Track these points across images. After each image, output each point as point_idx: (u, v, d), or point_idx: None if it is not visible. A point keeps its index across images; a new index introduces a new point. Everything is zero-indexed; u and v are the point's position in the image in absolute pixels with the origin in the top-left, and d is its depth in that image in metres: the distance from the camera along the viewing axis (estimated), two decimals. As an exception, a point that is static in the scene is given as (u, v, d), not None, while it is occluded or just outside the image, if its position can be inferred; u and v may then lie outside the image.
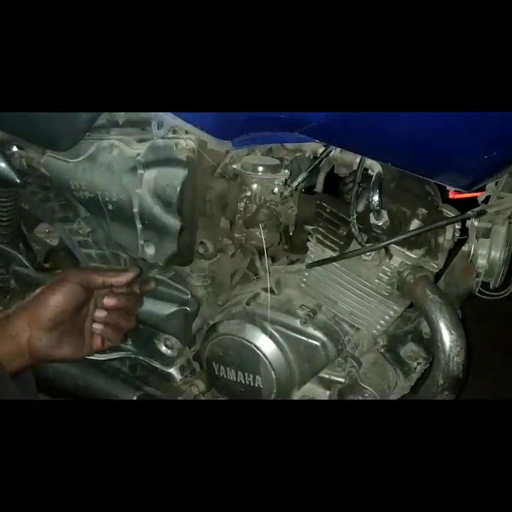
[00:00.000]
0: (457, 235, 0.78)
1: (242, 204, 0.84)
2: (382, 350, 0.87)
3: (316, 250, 0.81)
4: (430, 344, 0.81)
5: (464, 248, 0.71)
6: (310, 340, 0.81)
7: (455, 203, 0.79)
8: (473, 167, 0.60)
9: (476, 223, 0.70)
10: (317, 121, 0.63)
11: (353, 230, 0.73)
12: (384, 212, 0.71)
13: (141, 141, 0.90)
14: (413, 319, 0.87)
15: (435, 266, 0.77)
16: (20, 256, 1.12)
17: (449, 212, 0.79)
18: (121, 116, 0.94)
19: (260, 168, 0.82)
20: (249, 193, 0.83)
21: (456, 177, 0.65)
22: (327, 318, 0.85)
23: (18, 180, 1.01)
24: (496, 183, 0.71)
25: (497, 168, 0.60)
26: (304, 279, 0.85)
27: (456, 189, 0.66)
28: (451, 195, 0.74)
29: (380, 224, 0.71)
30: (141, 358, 0.86)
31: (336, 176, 0.85)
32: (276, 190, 0.82)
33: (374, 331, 0.82)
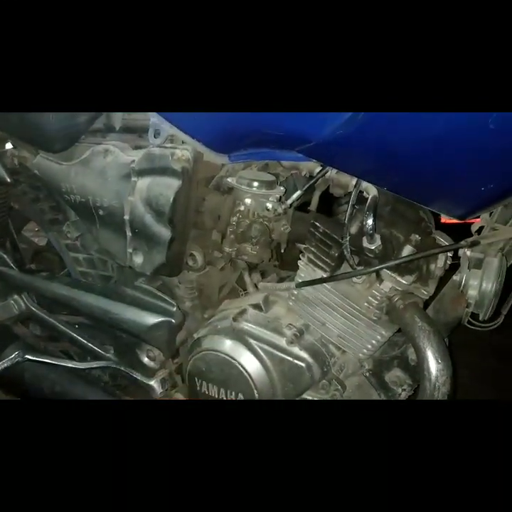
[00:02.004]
0: (449, 262, 0.77)
1: (235, 218, 0.83)
2: (368, 374, 0.86)
3: (306, 269, 0.80)
4: (416, 371, 0.80)
5: (456, 277, 0.71)
6: (295, 361, 0.80)
7: (447, 228, 0.79)
8: (469, 198, 0.60)
9: (468, 253, 0.70)
10: (315, 141, 0.62)
11: (345, 252, 0.72)
12: (377, 237, 0.70)
13: (136, 148, 0.89)
14: (400, 345, 0.86)
15: (425, 293, 0.77)
16: (5, 256, 1.10)
17: (442, 238, 0.79)
18: (118, 122, 0.93)
19: (255, 184, 0.81)
20: (242, 208, 0.83)
21: (450, 206, 0.64)
22: (314, 339, 0.83)
23: (9, 179, 1.00)
24: (491, 214, 0.71)
25: (492, 201, 0.60)
26: (293, 298, 0.84)
27: (450, 217, 0.66)
28: (443, 219, 0.74)
29: (373, 248, 0.70)
30: (121, 368, 0.84)
31: (331, 195, 0.85)
32: (269, 206, 0.81)
33: (360, 355, 0.81)
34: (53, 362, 0.81)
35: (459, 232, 0.76)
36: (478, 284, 0.66)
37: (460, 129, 0.51)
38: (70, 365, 0.82)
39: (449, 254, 0.76)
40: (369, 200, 0.70)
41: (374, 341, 0.79)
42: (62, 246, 1.12)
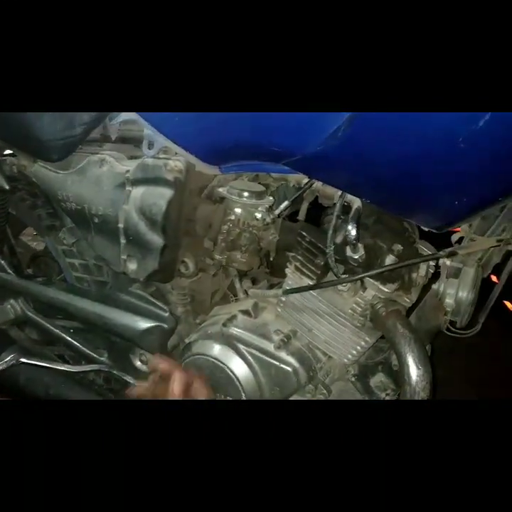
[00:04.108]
0: (431, 271, 0.80)
1: (226, 227, 0.86)
2: (353, 379, 0.89)
3: (294, 277, 0.83)
4: (399, 376, 0.82)
5: (434, 286, 0.73)
6: (282, 366, 0.83)
7: (433, 236, 0.81)
8: (445, 211, 0.63)
9: (447, 262, 0.73)
10: (300, 155, 0.65)
11: (330, 261, 0.75)
12: (360, 246, 0.73)
13: (132, 158, 0.92)
14: (385, 350, 0.88)
15: (408, 300, 0.80)
16: (2, 261, 1.13)
17: (425, 248, 0.81)
18: (114, 132, 0.97)
19: (245, 194, 0.84)
20: (233, 217, 0.85)
21: (428, 218, 0.67)
22: (301, 345, 0.86)
23: (7, 186, 1.02)
24: (470, 225, 0.74)
25: (467, 214, 0.63)
26: (281, 304, 0.87)
27: (429, 229, 0.69)
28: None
29: (356, 257, 0.73)
30: (114, 372, 0.87)
31: (320, 205, 0.88)
32: (259, 216, 0.84)
33: (345, 360, 0.83)
34: (47, 365, 0.83)
35: (443, 240, 0.79)
36: (455, 293, 0.69)
37: (434, 146, 0.54)
38: (63, 368, 0.84)
39: (432, 263, 0.79)
40: (352, 211, 0.72)
41: (358, 347, 0.81)
42: (59, 252, 1.15)
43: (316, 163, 0.65)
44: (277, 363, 0.83)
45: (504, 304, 2.00)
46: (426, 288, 0.82)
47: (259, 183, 0.89)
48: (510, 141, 0.50)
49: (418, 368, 0.72)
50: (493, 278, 0.84)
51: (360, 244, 0.73)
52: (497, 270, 0.79)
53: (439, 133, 0.53)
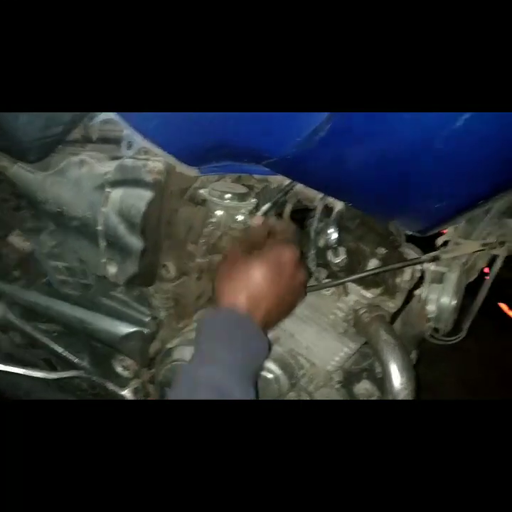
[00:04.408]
0: (418, 275, 0.78)
1: (208, 230, 0.84)
2: (338, 386, 0.86)
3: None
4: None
5: (417, 292, 0.71)
6: (263, 373, 0.80)
7: (419, 238, 0.79)
8: (425, 215, 0.61)
9: (432, 267, 0.71)
10: (277, 156, 0.63)
11: (310, 265, 0.73)
12: (342, 250, 0.71)
13: (113, 158, 0.90)
14: (370, 356, 0.86)
15: (392, 305, 0.78)
16: (-16, 264, 1.11)
17: (411, 251, 0.79)
18: (95, 133, 0.94)
19: (227, 196, 0.82)
20: (214, 220, 0.83)
21: (409, 222, 0.65)
22: (283, 351, 0.84)
23: (-12, 188, 1.00)
24: (455, 228, 0.72)
25: (448, 217, 0.61)
26: (264, 309, 0.85)
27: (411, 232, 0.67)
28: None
29: (337, 261, 0.71)
30: (93, 378, 0.84)
31: (306, 207, 0.86)
32: (240, 218, 0.82)
33: (328, 367, 0.81)
34: (21, 372, 0.81)
35: (433, 244, 0.77)
36: (437, 299, 0.67)
37: (411, 148, 0.52)
38: (38, 375, 0.82)
39: (419, 267, 0.77)
40: (333, 214, 0.70)
41: (341, 353, 0.79)
42: (43, 254, 1.12)
43: (294, 164, 0.63)
44: (259, 370, 0.81)
45: (499, 305, 1.99)
46: (412, 292, 0.80)
47: (243, 185, 0.87)
48: (488, 143, 0.48)
49: (401, 376, 0.70)
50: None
51: (341, 248, 0.71)
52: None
53: (416, 134, 0.51)
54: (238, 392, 0.55)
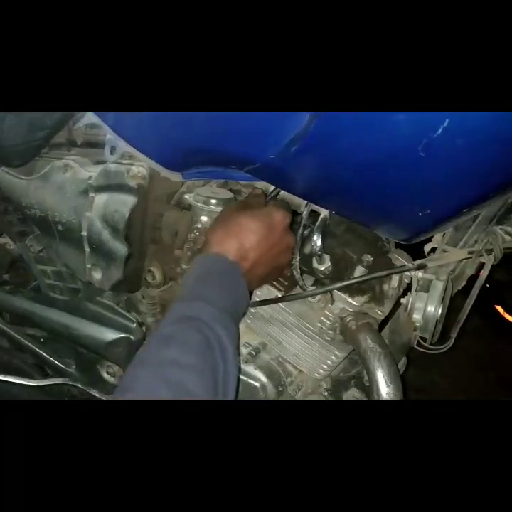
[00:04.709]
0: (407, 281, 0.76)
1: (193, 235, 0.83)
2: (326, 393, 0.85)
3: (262, 288, 0.80)
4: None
5: (403, 300, 0.70)
6: (249, 381, 0.79)
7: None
8: (409, 223, 0.59)
9: (420, 274, 0.69)
10: (259, 162, 0.62)
11: (295, 272, 0.71)
12: (326, 257, 0.70)
13: (98, 162, 0.88)
14: (359, 363, 0.85)
15: (380, 313, 0.76)
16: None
17: (400, 257, 0.78)
18: (79, 137, 0.93)
19: (212, 201, 0.80)
20: (199, 225, 0.82)
21: (393, 230, 0.64)
22: (270, 358, 0.83)
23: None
24: (443, 234, 0.70)
25: (433, 225, 0.60)
26: (251, 316, 0.83)
27: (396, 240, 0.65)
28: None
29: (322, 269, 0.70)
30: (78, 385, 0.83)
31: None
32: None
33: (316, 375, 0.80)
34: (4, 379, 0.80)
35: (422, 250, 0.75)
36: (423, 308, 0.65)
37: (393, 155, 0.51)
38: (23, 382, 0.81)
39: (407, 273, 0.75)
40: (318, 221, 0.69)
41: (329, 361, 0.78)
42: (31, 258, 1.11)
43: (276, 171, 0.62)
44: (244, 378, 0.79)
45: (496, 308, 1.98)
46: (400, 299, 0.78)
47: (230, 189, 0.85)
48: (470, 151, 0.47)
49: (388, 386, 0.69)
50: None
51: (326, 256, 0.70)
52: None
53: (398, 141, 0.49)
54: (220, 328, 0.57)
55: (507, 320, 1.95)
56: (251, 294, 0.71)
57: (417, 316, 0.66)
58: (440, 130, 0.45)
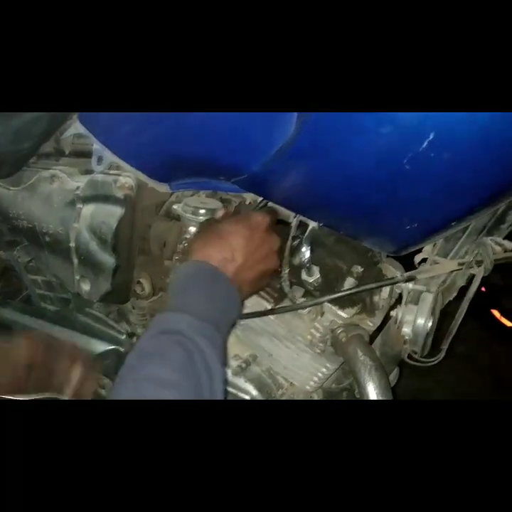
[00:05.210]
0: (398, 291, 0.75)
1: (182, 246, 0.82)
2: (318, 405, 0.84)
3: (252, 299, 0.79)
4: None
5: (393, 313, 0.69)
6: (239, 394, 0.78)
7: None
8: (397, 235, 0.58)
9: (410, 286, 0.68)
10: (246, 174, 0.61)
11: (284, 285, 0.70)
12: (316, 269, 0.69)
13: (86, 172, 0.87)
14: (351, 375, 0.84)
15: (371, 324, 0.75)
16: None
17: (393, 266, 0.77)
18: (67, 146, 0.92)
19: (201, 212, 0.79)
20: (188, 236, 0.81)
21: (381, 243, 0.63)
22: (261, 370, 0.82)
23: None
24: (434, 245, 0.69)
25: (421, 238, 0.59)
26: (241, 328, 0.82)
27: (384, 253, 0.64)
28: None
29: (311, 281, 0.69)
30: (64, 398, 0.82)
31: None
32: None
33: (307, 387, 0.79)
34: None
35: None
36: (413, 321, 0.64)
37: (379, 168, 0.50)
38: (7, 397, 0.79)
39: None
40: (307, 232, 0.68)
41: (320, 374, 0.77)
42: (21, 268, 1.10)
43: (262, 182, 0.61)
44: (234, 391, 0.79)
45: (492, 312, 1.97)
46: (392, 309, 0.77)
47: (220, 198, 0.84)
48: (456, 165, 0.46)
49: (378, 398, 0.68)
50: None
51: (315, 268, 0.69)
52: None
53: (384, 155, 0.48)
54: (202, 339, 0.55)
55: (503, 324, 1.94)
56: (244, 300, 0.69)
57: (406, 330, 0.65)
58: (425, 144, 0.45)
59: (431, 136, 0.44)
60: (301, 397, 0.84)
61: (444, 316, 0.74)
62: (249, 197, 0.77)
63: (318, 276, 0.69)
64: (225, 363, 0.59)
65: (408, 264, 0.74)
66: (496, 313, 1.96)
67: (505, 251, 0.62)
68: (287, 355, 0.78)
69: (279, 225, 0.73)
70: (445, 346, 0.67)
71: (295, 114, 0.51)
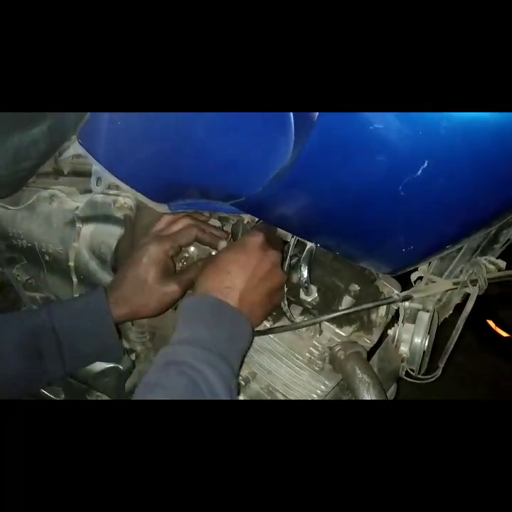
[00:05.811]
0: (395, 308, 0.76)
1: (180, 265, 0.83)
2: (317, 421, 0.84)
3: (249, 317, 0.79)
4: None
5: (390, 331, 0.70)
6: (239, 411, 0.78)
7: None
8: (393, 257, 0.60)
9: (406, 304, 0.69)
10: (244, 196, 0.62)
11: (282, 304, 0.71)
12: (314, 288, 0.70)
13: (85, 191, 0.88)
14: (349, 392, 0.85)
15: (368, 342, 0.76)
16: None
17: (389, 284, 0.78)
18: (66, 166, 0.93)
19: (200, 231, 0.80)
20: (187, 254, 0.82)
21: (377, 264, 0.64)
22: (260, 388, 0.82)
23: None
24: (429, 264, 0.70)
25: (417, 260, 0.60)
26: (240, 345, 0.83)
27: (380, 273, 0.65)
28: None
29: (309, 300, 0.70)
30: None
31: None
32: (213, 253, 0.80)
33: (306, 404, 0.80)
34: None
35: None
36: (410, 340, 0.65)
37: (375, 194, 0.51)
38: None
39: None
40: (305, 252, 0.69)
41: (318, 391, 0.77)
42: (19, 285, 1.10)
43: (260, 205, 0.62)
44: (234, 409, 0.79)
45: (487, 322, 1.98)
46: (389, 326, 0.78)
47: (218, 218, 0.85)
48: (450, 191, 0.47)
49: (376, 416, 0.68)
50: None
51: (313, 287, 0.70)
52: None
53: (380, 181, 0.49)
54: (206, 367, 0.56)
55: (499, 334, 1.96)
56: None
57: (404, 349, 0.66)
58: (420, 171, 0.46)
59: (425, 164, 0.45)
60: (300, 414, 0.85)
61: (440, 331, 0.75)
62: (247, 217, 0.78)
63: (316, 295, 0.70)
64: (233, 390, 0.59)
65: (404, 280, 0.76)
66: (491, 323, 1.97)
67: (499, 270, 0.63)
68: (286, 372, 0.78)
69: (278, 236, 0.74)
70: (442, 364, 0.67)
71: (292, 142, 0.52)
